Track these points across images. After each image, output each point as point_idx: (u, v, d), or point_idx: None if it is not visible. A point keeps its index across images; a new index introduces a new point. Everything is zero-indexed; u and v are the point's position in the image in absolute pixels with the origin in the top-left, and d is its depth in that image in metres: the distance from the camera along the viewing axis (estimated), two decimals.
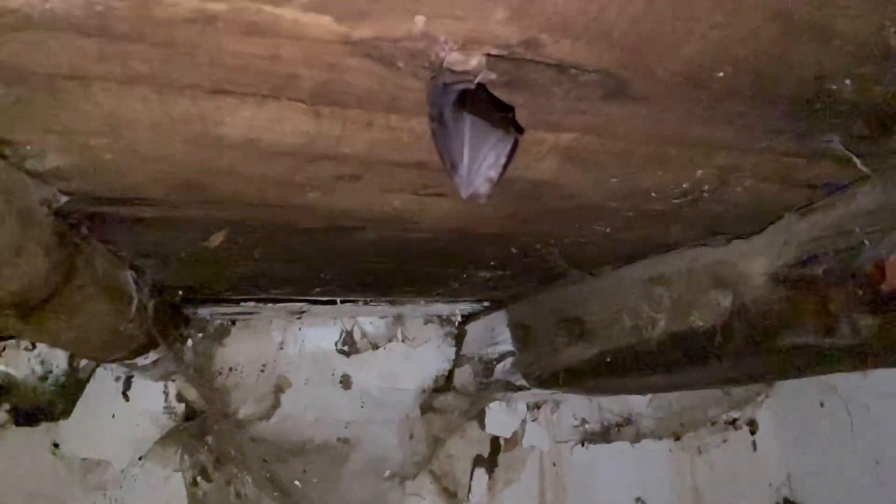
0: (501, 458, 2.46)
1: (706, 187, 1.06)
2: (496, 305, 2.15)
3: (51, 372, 1.90)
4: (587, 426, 2.58)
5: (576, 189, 1.05)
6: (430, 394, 2.34)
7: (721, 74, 0.74)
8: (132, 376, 1.96)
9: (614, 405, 2.62)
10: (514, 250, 1.42)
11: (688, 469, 2.69)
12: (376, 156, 0.88)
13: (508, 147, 0.68)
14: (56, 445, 1.91)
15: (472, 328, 2.33)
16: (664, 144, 0.92)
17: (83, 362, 1.91)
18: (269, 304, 1.92)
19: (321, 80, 0.69)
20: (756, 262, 1.19)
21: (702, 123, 0.86)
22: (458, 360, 2.37)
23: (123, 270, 1.25)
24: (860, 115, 0.85)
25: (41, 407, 1.89)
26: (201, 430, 1.98)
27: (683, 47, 0.68)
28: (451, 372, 2.38)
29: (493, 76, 0.69)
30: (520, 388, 2.04)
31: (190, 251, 1.26)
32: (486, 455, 2.44)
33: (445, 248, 1.38)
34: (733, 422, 2.77)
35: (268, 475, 1.98)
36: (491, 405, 2.44)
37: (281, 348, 2.16)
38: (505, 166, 0.69)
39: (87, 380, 1.93)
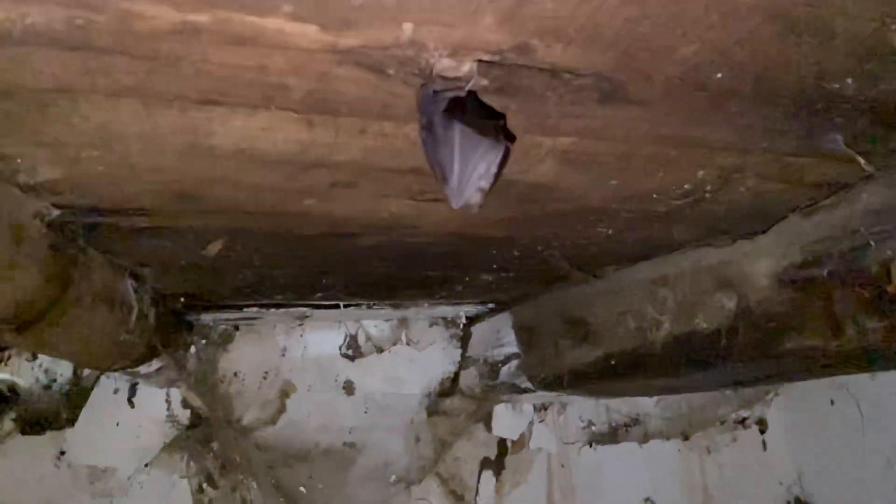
0: (509, 460, 2.45)
1: (708, 188, 1.05)
2: (501, 307, 2.14)
3: (55, 380, 1.90)
4: (594, 427, 2.57)
5: (576, 192, 1.04)
6: (435, 396, 2.34)
7: (719, 76, 0.72)
8: (137, 383, 1.96)
9: (622, 406, 2.60)
10: (516, 253, 1.40)
11: (697, 469, 2.67)
12: (371, 163, 0.87)
13: (499, 156, 0.67)
14: (62, 453, 1.91)
15: (478, 330, 2.32)
16: (664, 146, 0.90)
17: (87, 371, 1.91)
18: (273, 309, 1.91)
19: (311, 88, 0.68)
20: (760, 263, 1.17)
21: (702, 125, 0.84)
22: (464, 363, 2.36)
23: (123, 280, 1.24)
24: (864, 113, 0.83)
25: (46, 415, 1.90)
26: (207, 436, 1.97)
27: (679, 49, 0.66)
28: (456, 374, 2.37)
29: (485, 82, 0.68)
30: (525, 391, 2.02)
31: (189, 259, 1.26)
32: (493, 457, 2.43)
33: (446, 252, 1.36)
34: (742, 421, 2.74)
35: (273, 481, 1.98)
36: (497, 407, 2.43)
37: (283, 354, 2.15)
38: (496, 175, 0.68)
39: (92, 388, 1.94)
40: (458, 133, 0.65)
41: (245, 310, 1.88)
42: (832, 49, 0.69)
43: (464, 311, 2.32)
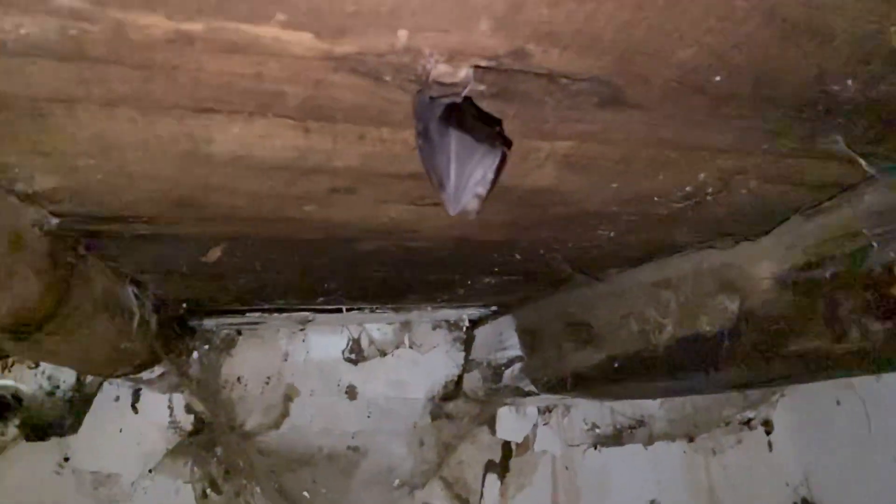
0: (513, 463, 2.44)
1: (710, 190, 1.04)
2: (504, 310, 2.13)
3: (58, 387, 1.91)
4: (598, 430, 2.56)
5: (576, 195, 1.04)
6: (439, 400, 2.33)
7: (718, 79, 0.72)
8: (140, 389, 1.97)
9: (626, 407, 2.59)
10: (517, 256, 1.40)
11: (702, 470, 2.66)
12: (370, 168, 0.87)
13: (496, 162, 0.67)
14: (66, 459, 1.92)
15: (481, 333, 2.32)
16: (664, 149, 0.90)
17: (90, 377, 1.92)
18: (275, 314, 1.91)
19: (307, 96, 0.68)
20: (763, 265, 1.16)
21: (701, 127, 0.84)
22: (468, 366, 2.36)
23: (124, 286, 1.24)
24: (864, 115, 0.83)
25: (50, 422, 1.90)
26: (210, 441, 1.97)
27: (677, 53, 0.66)
28: (460, 377, 2.37)
29: (481, 87, 0.68)
30: (528, 394, 2.02)
31: (190, 265, 1.26)
32: (497, 460, 2.42)
33: (447, 256, 1.36)
34: (748, 422, 2.73)
35: (277, 486, 1.98)
36: (501, 410, 2.42)
37: (286, 359, 2.15)
38: (493, 181, 0.67)
39: (95, 394, 1.94)
40: (455, 139, 0.65)
41: (247, 314, 1.88)
42: (832, 51, 0.68)
43: (467, 314, 2.31)
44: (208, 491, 1.95)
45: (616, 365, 1.52)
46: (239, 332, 2.11)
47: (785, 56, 0.69)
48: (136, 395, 1.99)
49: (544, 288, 1.77)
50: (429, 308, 2.10)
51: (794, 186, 1.04)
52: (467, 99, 0.66)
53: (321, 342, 2.22)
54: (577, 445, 2.53)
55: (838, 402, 2.56)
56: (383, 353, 2.30)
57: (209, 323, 1.96)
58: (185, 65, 0.60)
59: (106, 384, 1.95)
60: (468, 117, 0.65)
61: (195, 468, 1.96)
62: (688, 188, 1.03)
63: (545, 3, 0.57)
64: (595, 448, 2.54)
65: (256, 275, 1.41)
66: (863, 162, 0.90)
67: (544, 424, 2.50)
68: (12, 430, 1.87)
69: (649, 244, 1.34)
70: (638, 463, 2.58)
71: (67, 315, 0.97)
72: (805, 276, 1.08)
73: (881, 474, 2.39)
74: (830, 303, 1.03)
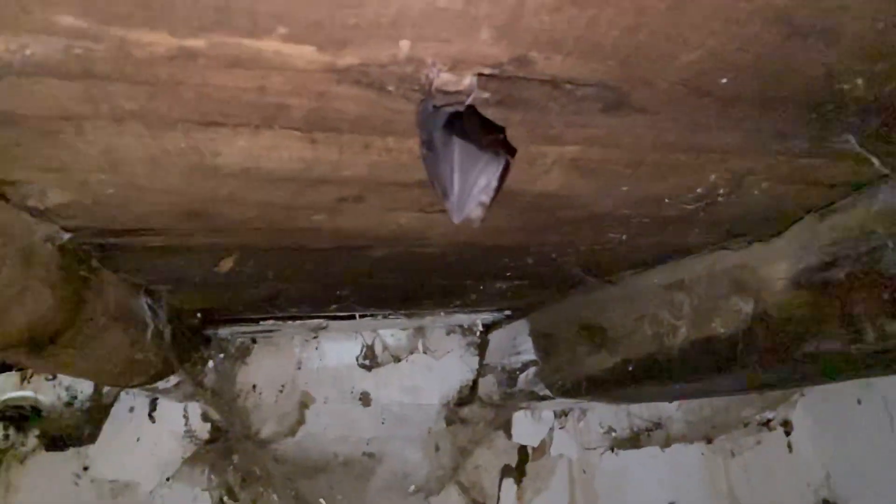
0: (530, 467, 2.43)
1: (721, 191, 1.03)
2: (518, 314, 2.13)
3: (76, 397, 1.93)
4: (615, 433, 2.54)
5: (585, 199, 1.03)
6: (454, 405, 2.33)
7: (724, 81, 0.71)
8: (156, 398, 1.98)
9: (643, 410, 2.57)
10: (529, 261, 1.40)
11: (722, 472, 2.63)
12: (377, 177, 0.87)
13: (499, 169, 0.67)
14: (85, 469, 1.94)
15: (495, 337, 2.31)
16: (673, 152, 0.89)
17: (107, 388, 1.94)
18: (289, 322, 1.92)
19: (312, 108, 0.68)
20: (777, 266, 1.15)
21: (709, 130, 0.83)
22: (482, 370, 2.35)
23: (138, 298, 1.25)
24: (876, 113, 0.81)
25: (69, 432, 1.92)
26: (227, 449, 1.98)
27: (681, 56, 0.65)
28: (474, 382, 2.36)
29: (485, 95, 0.68)
30: (544, 398, 2.01)
31: (203, 276, 1.27)
32: (514, 465, 2.41)
33: (457, 262, 1.36)
34: (767, 423, 2.70)
35: (293, 493, 1.98)
36: (517, 414, 2.41)
37: (299, 367, 2.16)
38: (497, 189, 0.67)
39: (112, 404, 1.96)
40: (458, 148, 0.64)
41: (261, 323, 1.89)
42: (839, 51, 0.68)
43: (480, 318, 2.31)
44: (225, 498, 1.96)
45: (630, 368, 1.51)
46: (254, 341, 2.13)
47: (791, 57, 0.68)
48: (152, 405, 2.01)
49: (557, 292, 1.76)
50: (442, 313, 2.10)
51: (806, 186, 1.03)
52: (471, 107, 0.66)
53: (335, 349, 2.23)
54: (594, 449, 2.51)
55: (859, 402, 2.52)
56: (397, 359, 2.30)
57: (224, 332, 1.98)
58: (189, 80, 0.61)
59: (123, 394, 1.97)
60: (471, 126, 0.65)
61: (212, 476, 1.97)
62: (699, 190, 1.02)
63: (546, 10, 0.56)
64: (612, 451, 2.53)
65: (269, 284, 1.42)
66: (876, 161, 0.88)
67: (560, 428, 2.49)
68: (32, 440, 1.90)
69: (661, 246, 1.33)
70: (656, 465, 2.56)
71: (81, 328, 0.98)
72: (819, 276, 1.07)
73: None
74: (845, 303, 1.02)
